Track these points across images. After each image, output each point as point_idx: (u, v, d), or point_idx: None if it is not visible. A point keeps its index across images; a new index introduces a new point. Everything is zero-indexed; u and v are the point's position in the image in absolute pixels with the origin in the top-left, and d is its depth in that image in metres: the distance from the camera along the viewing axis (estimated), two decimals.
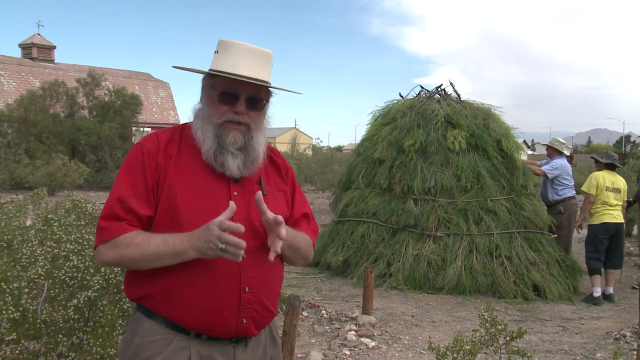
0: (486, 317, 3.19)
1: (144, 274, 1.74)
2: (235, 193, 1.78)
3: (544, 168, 7.76)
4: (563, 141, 8.09)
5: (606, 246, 7.00)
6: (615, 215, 7.01)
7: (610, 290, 7.03)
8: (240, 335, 1.78)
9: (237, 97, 1.77)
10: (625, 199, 7.22)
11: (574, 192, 7.87)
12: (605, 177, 7.05)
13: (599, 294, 6.85)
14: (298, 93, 1.97)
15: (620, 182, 7.14)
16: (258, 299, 1.77)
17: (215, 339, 1.75)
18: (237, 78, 1.74)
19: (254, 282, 1.75)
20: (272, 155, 1.95)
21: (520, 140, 8.57)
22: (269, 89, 1.84)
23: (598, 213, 7.01)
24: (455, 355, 2.97)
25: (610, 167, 7.19)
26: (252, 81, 1.75)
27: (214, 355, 1.74)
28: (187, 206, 1.72)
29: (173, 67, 1.85)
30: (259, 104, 1.82)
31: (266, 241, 1.77)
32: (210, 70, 1.80)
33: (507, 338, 3.16)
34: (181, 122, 2.42)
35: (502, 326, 3.14)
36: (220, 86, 1.78)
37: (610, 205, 6.97)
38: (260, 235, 1.78)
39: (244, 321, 1.75)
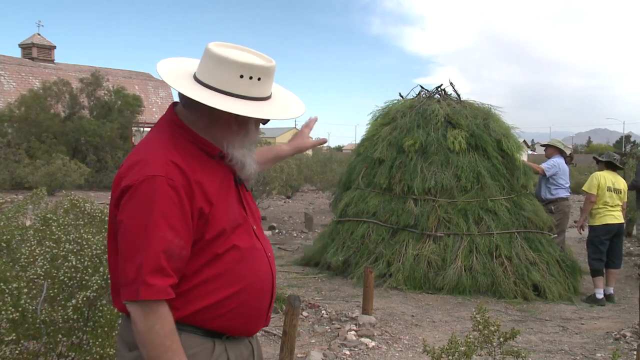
0: (478, 319, 3.19)
1: (183, 296, 1.62)
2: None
3: (542, 165, 7.79)
4: (562, 142, 8.11)
5: (607, 247, 7.00)
6: (616, 216, 7.00)
7: (611, 290, 7.03)
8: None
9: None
10: (626, 199, 7.21)
11: (568, 193, 7.86)
12: (606, 177, 7.03)
13: (602, 296, 6.83)
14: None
15: (621, 183, 7.13)
16: (275, 292, 1.83)
17: (241, 337, 1.77)
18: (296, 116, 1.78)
19: (274, 276, 1.81)
20: None
21: (520, 140, 8.57)
22: None
23: (600, 214, 6.98)
24: (450, 357, 2.96)
25: (611, 167, 7.17)
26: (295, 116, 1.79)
27: (242, 351, 1.76)
28: (228, 220, 1.67)
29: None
30: None
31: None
32: (262, 112, 1.67)
33: (501, 339, 3.16)
34: None
35: (495, 327, 3.14)
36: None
37: (611, 206, 6.95)
38: (261, 225, 1.85)
39: (269, 315, 1.82)
